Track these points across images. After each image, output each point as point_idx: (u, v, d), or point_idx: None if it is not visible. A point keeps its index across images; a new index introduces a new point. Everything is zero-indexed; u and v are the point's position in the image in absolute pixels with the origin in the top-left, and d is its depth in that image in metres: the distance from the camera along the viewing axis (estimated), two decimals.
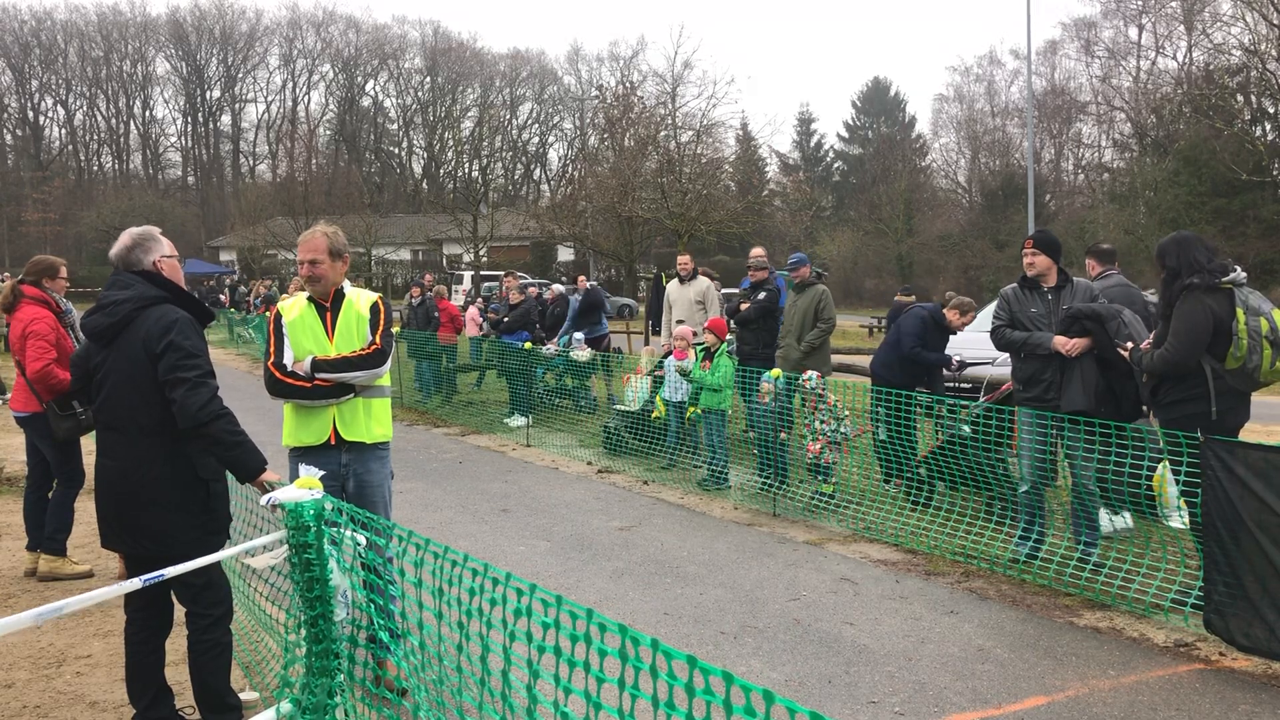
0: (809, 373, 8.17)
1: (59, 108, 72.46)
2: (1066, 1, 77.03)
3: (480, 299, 28.10)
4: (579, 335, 13.95)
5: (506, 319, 13.92)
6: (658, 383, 10.23)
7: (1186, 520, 5.83)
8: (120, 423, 3.71)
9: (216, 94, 75.21)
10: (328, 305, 4.50)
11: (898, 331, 8.20)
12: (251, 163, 76.11)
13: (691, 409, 9.03)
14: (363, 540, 3.27)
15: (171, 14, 74.21)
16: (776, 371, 8.23)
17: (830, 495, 7.83)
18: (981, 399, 7.73)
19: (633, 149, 27.51)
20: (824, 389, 8.04)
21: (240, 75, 75.15)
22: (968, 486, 7.07)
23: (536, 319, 14.29)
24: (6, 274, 19.23)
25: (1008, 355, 6.54)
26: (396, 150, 76.08)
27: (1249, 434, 5.59)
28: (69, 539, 6.25)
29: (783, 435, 8.27)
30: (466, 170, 54.70)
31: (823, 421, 7.96)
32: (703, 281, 11.13)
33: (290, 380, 4.35)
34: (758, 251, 10.85)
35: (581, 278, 18.47)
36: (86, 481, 6.25)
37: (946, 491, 7.31)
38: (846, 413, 8.06)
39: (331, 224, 4.69)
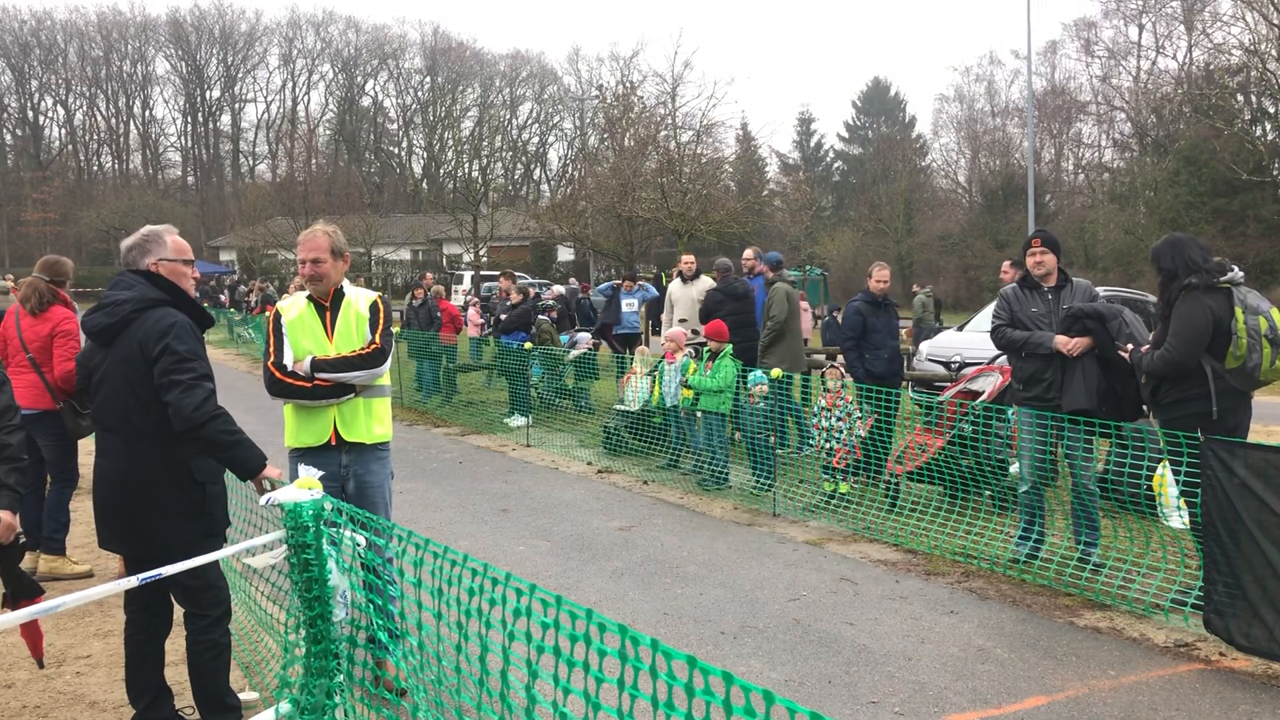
0: (830, 371, 8.24)
1: (59, 108, 72.56)
2: (1067, 1, 77.00)
3: (478, 299, 28.11)
4: (582, 335, 13.92)
5: (504, 318, 13.91)
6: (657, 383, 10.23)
7: (1186, 520, 5.83)
8: (117, 425, 3.70)
9: (216, 94, 75.23)
10: (327, 305, 4.49)
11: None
12: (251, 163, 76.14)
13: (686, 393, 8.95)
14: (362, 540, 3.27)
15: (171, 14, 74.34)
16: (777, 371, 8.24)
17: (843, 494, 7.83)
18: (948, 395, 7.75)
19: (633, 149, 27.42)
20: (842, 386, 8.05)
21: (240, 75, 75.19)
22: (969, 487, 7.07)
23: (534, 319, 14.27)
24: (10, 275, 19.19)
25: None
26: (396, 150, 76.07)
27: (1249, 434, 5.58)
28: (68, 539, 6.26)
29: (773, 439, 8.27)
30: (466, 170, 54.61)
31: (839, 419, 7.96)
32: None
33: (290, 380, 4.34)
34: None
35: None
36: (83, 481, 6.26)
37: (946, 492, 7.30)
38: (858, 413, 8.05)
39: (330, 223, 4.68)
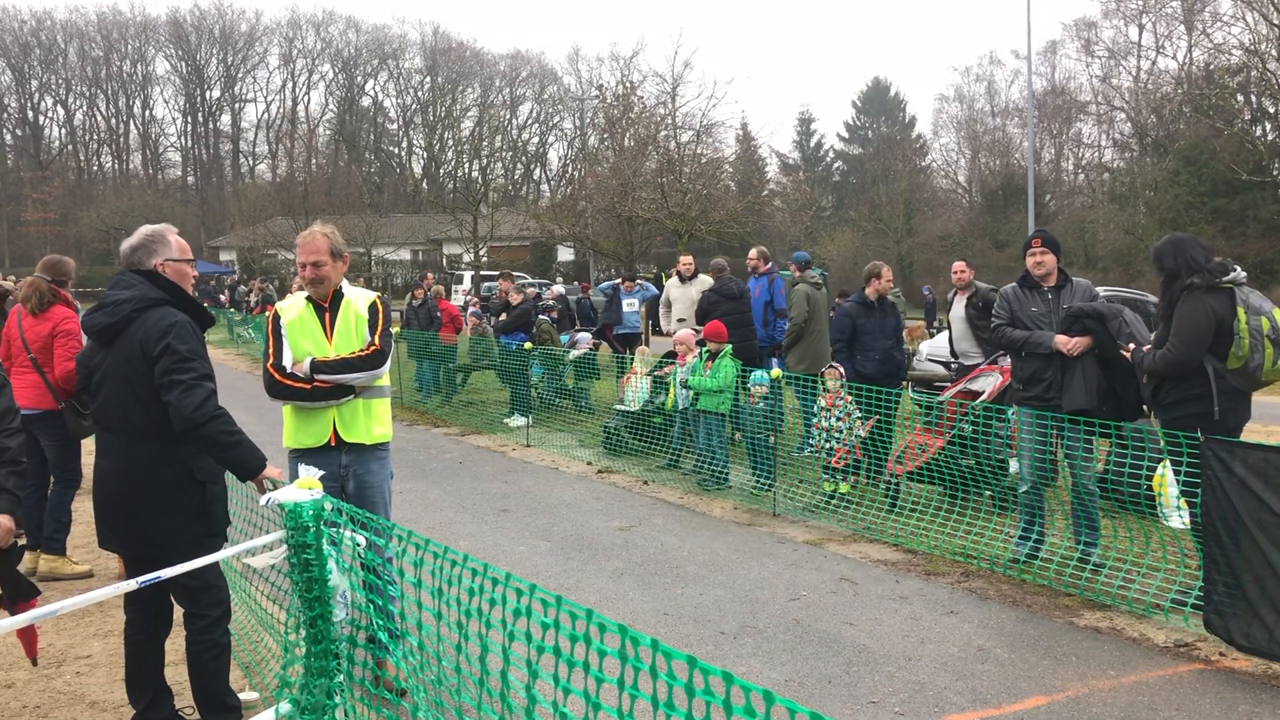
0: (829, 371, 8.26)
1: (59, 108, 72.59)
2: (1067, 1, 76.99)
3: (477, 299, 28.11)
4: (582, 335, 13.88)
5: (504, 318, 13.90)
6: (657, 383, 10.22)
7: (1186, 520, 5.83)
8: (117, 424, 3.70)
9: (216, 94, 75.25)
10: (326, 306, 4.48)
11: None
12: (251, 163, 76.14)
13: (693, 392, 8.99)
14: (362, 540, 3.27)
15: (171, 14, 74.41)
16: (777, 371, 8.24)
17: (842, 494, 7.83)
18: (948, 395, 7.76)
19: (633, 149, 27.41)
20: (841, 386, 8.04)
21: (240, 75, 75.20)
22: (969, 487, 7.07)
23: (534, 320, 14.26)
24: (12, 275, 19.18)
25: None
26: (396, 150, 76.08)
27: (1249, 434, 5.59)
28: (69, 539, 6.25)
29: (772, 438, 8.27)
30: (466, 170, 54.64)
31: (839, 419, 7.96)
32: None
33: (289, 382, 4.34)
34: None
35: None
36: (84, 481, 6.26)
37: (946, 492, 7.30)
38: (858, 414, 8.04)
39: (328, 223, 4.67)
